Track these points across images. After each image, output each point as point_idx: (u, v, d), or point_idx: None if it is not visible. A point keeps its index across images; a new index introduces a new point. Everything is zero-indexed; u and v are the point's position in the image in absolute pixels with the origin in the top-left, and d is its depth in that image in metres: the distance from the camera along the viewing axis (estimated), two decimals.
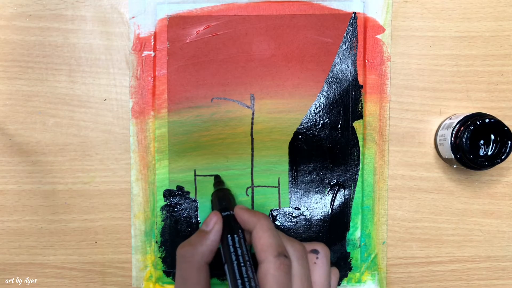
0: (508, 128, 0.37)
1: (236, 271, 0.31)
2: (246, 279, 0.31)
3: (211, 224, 0.34)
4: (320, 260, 0.35)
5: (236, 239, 0.33)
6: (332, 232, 0.41)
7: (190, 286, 0.32)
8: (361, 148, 0.41)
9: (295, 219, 0.41)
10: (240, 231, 0.34)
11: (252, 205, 0.41)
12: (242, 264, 0.31)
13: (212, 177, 0.41)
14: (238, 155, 0.41)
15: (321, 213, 0.41)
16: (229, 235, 0.33)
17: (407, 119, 0.41)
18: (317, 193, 0.41)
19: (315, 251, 0.35)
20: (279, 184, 0.41)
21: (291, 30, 0.40)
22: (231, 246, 0.33)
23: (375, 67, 0.41)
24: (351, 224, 0.41)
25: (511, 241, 0.42)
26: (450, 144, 0.38)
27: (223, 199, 0.37)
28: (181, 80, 0.40)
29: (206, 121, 0.41)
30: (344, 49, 0.41)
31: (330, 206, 0.41)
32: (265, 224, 0.33)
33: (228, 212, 0.35)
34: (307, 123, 0.41)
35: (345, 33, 0.40)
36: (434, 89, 0.41)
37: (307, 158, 0.41)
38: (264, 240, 0.33)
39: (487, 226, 0.42)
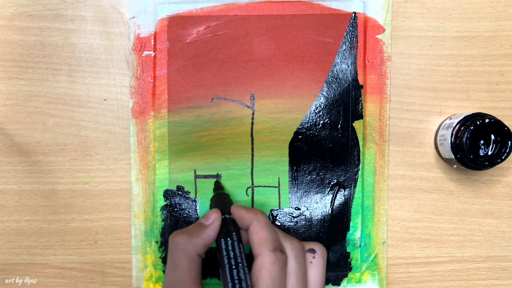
0: (508, 128, 0.37)
1: (228, 274, 0.31)
2: (236, 281, 0.31)
3: (211, 219, 0.34)
4: (316, 260, 0.35)
5: (230, 242, 0.33)
6: (332, 232, 0.41)
7: (180, 274, 0.32)
8: (361, 148, 0.41)
9: (295, 219, 0.41)
10: (234, 233, 0.34)
11: (252, 205, 0.41)
12: (234, 267, 0.32)
13: (212, 179, 0.41)
14: (238, 155, 0.41)
15: (321, 213, 0.41)
16: (223, 239, 0.33)
17: (407, 119, 0.41)
18: (317, 193, 0.41)
19: (312, 251, 0.35)
20: (279, 184, 0.41)
21: (291, 30, 0.40)
22: (224, 250, 0.33)
23: (375, 67, 0.41)
24: (351, 224, 0.41)
25: (511, 241, 0.42)
26: (450, 144, 0.38)
27: (221, 203, 0.37)
28: (181, 80, 0.40)
29: (206, 121, 0.41)
30: (344, 49, 0.41)
31: (330, 206, 0.41)
32: (262, 220, 0.33)
33: (225, 216, 0.35)
34: (307, 123, 0.41)
35: (345, 33, 0.40)
36: (434, 89, 0.41)
37: (307, 158, 0.41)
38: (260, 235, 0.33)
39: (487, 226, 0.42)
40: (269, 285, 0.31)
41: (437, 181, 0.42)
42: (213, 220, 0.34)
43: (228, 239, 0.33)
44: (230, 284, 0.31)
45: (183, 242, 0.33)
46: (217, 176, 0.41)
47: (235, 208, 0.35)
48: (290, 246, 0.33)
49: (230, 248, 0.33)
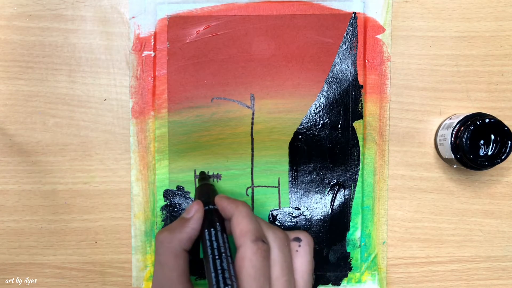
0: (508, 128, 0.37)
1: (211, 264, 0.31)
2: (220, 271, 0.31)
3: (192, 212, 0.34)
4: (302, 248, 0.34)
5: (213, 232, 0.33)
6: (332, 232, 0.41)
7: (167, 271, 0.32)
8: (361, 148, 0.41)
9: (295, 219, 0.41)
10: (218, 224, 0.34)
11: (252, 205, 0.41)
12: (217, 257, 0.31)
13: (211, 179, 0.41)
14: (238, 155, 0.41)
15: (321, 213, 0.41)
16: (206, 230, 0.33)
17: (407, 119, 0.41)
18: (317, 193, 0.41)
19: (298, 239, 0.35)
20: (279, 184, 0.41)
21: (291, 30, 0.40)
22: (207, 241, 0.33)
23: (375, 67, 0.41)
24: (351, 224, 0.41)
25: (511, 241, 0.42)
26: (450, 144, 0.38)
27: (205, 193, 0.37)
28: (181, 80, 0.41)
29: (206, 121, 0.41)
30: (344, 49, 0.41)
31: (330, 206, 0.41)
32: (243, 211, 0.33)
33: (209, 207, 0.35)
34: (307, 123, 0.41)
35: (345, 33, 0.40)
36: (434, 89, 0.41)
37: (307, 158, 0.41)
38: (242, 226, 0.32)
39: (487, 226, 0.42)
40: (251, 275, 0.31)
41: (437, 181, 0.42)
42: (194, 212, 0.34)
43: (212, 229, 0.33)
44: (213, 274, 0.31)
45: (167, 239, 0.33)
46: (217, 176, 0.41)
47: (218, 198, 0.35)
48: (273, 236, 0.33)
49: (213, 238, 0.33)
